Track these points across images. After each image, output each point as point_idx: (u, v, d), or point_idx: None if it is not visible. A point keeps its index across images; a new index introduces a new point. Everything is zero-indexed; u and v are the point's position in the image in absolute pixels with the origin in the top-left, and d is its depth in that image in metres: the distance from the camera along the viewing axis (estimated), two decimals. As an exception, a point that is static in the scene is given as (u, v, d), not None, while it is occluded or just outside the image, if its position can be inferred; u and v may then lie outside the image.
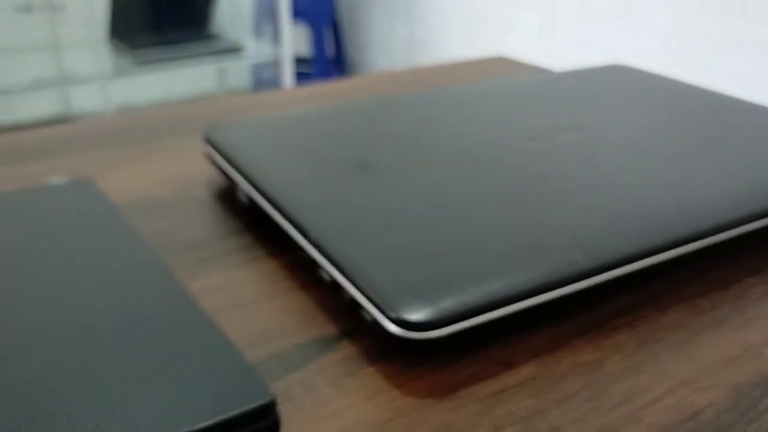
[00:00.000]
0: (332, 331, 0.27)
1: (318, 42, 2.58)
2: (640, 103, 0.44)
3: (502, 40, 2.08)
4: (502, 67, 0.63)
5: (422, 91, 0.45)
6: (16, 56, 2.26)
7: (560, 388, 0.24)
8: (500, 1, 2.06)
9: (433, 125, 0.39)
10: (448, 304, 0.24)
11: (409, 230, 0.29)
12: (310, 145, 0.37)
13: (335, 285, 0.28)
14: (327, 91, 0.55)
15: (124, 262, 0.27)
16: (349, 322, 0.28)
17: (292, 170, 0.34)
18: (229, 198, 0.37)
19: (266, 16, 2.51)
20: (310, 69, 2.61)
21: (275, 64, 2.42)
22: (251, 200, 0.34)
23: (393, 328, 0.24)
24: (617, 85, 0.47)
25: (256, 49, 2.48)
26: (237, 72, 2.70)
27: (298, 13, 2.48)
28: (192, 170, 0.41)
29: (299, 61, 2.53)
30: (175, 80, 2.51)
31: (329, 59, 2.65)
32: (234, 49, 2.36)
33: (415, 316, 0.24)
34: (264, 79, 2.65)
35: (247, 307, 0.28)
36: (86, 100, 2.37)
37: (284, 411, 0.23)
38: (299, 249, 0.30)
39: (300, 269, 0.31)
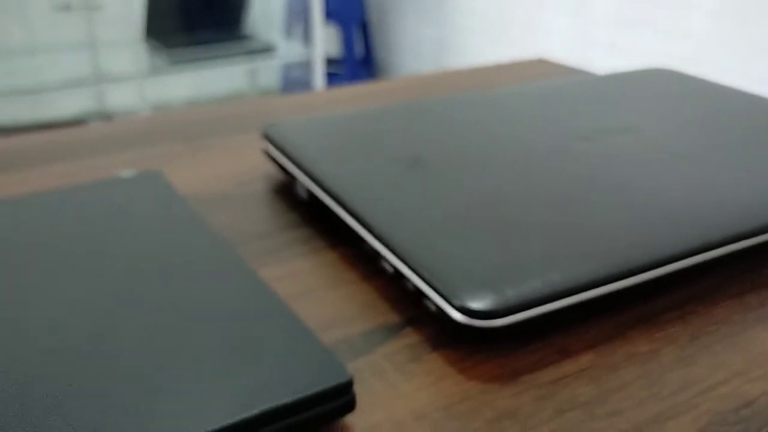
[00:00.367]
0: (395, 320, 0.28)
1: (347, 43, 2.60)
2: (686, 106, 0.44)
3: (532, 43, 2.09)
4: (542, 69, 0.64)
5: (470, 92, 0.46)
6: (53, 55, 2.31)
7: (617, 376, 0.25)
8: (531, 4, 2.07)
9: (482, 125, 0.40)
10: (512, 294, 0.26)
11: (468, 224, 0.30)
12: (365, 143, 0.38)
13: (398, 275, 0.29)
14: (378, 90, 0.56)
15: (198, 249, 0.29)
16: (411, 311, 0.29)
17: (351, 166, 0.35)
18: (286, 192, 0.39)
19: (297, 16, 2.53)
20: (338, 69, 2.63)
21: (305, 65, 2.44)
22: (310, 194, 0.36)
23: (457, 316, 0.25)
24: (662, 88, 0.48)
25: (286, 50, 2.51)
26: (267, 72, 2.73)
27: (328, 14, 2.51)
28: (248, 166, 0.42)
29: (328, 61, 2.55)
30: (207, 79, 2.54)
31: (358, 60, 2.66)
32: (266, 50, 2.39)
33: (479, 304, 0.25)
34: (293, 79, 2.67)
35: (312, 296, 0.30)
36: (121, 98, 2.41)
37: (356, 393, 0.24)
38: (360, 241, 0.31)
39: (360, 261, 0.32)
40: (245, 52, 2.33)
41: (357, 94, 0.56)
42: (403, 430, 0.23)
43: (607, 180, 0.34)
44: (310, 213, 0.37)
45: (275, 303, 0.26)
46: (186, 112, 0.51)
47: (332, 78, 2.58)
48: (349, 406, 0.23)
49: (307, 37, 2.41)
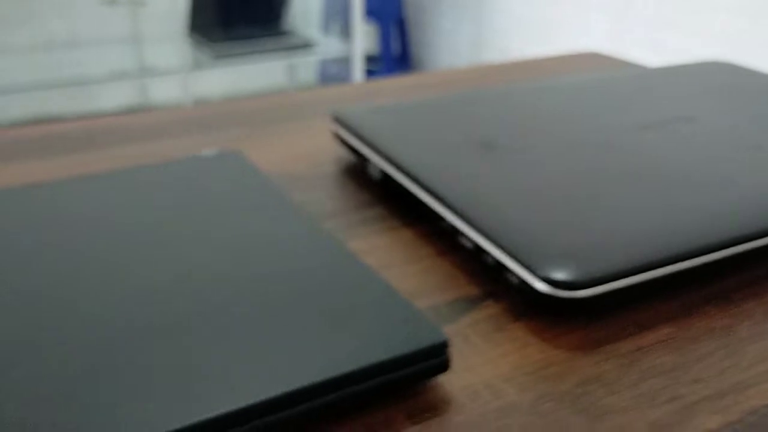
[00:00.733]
0: (475, 292, 0.29)
1: (385, 40, 2.61)
2: (745, 97, 0.45)
3: (570, 43, 2.08)
4: (596, 62, 0.64)
5: (533, 81, 0.47)
6: (99, 48, 2.36)
7: (697, 348, 0.26)
8: (569, 4, 2.06)
9: (548, 112, 0.41)
10: (595, 266, 0.26)
11: (545, 201, 0.31)
12: (437, 127, 0.39)
13: (477, 250, 0.30)
14: (435, 80, 0.57)
15: (288, 223, 0.30)
16: (489, 284, 0.30)
17: (425, 148, 0.37)
18: (357, 173, 0.40)
19: (335, 13, 2.55)
20: (375, 66, 2.64)
21: (343, 61, 2.46)
22: (384, 175, 0.37)
23: (541, 286, 0.26)
24: (720, 80, 0.48)
25: (325, 46, 2.53)
26: (305, 68, 2.76)
27: (367, 11, 2.52)
28: (318, 148, 0.43)
29: (365, 58, 2.57)
30: (247, 74, 2.57)
31: (395, 57, 2.68)
32: (306, 45, 2.41)
33: (563, 275, 0.26)
34: (330, 75, 2.69)
35: (394, 269, 0.31)
36: (163, 91, 2.45)
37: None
38: (437, 218, 0.32)
39: (436, 237, 0.33)
40: (285, 47, 2.36)
41: (426, 82, 0.57)
42: (495, 390, 0.24)
43: (678, 164, 0.35)
44: (382, 193, 0.38)
45: (368, 272, 0.27)
46: (246, 102, 0.53)
47: (369, 75, 2.60)
48: (443, 366, 0.24)
49: (345, 33, 2.43)
